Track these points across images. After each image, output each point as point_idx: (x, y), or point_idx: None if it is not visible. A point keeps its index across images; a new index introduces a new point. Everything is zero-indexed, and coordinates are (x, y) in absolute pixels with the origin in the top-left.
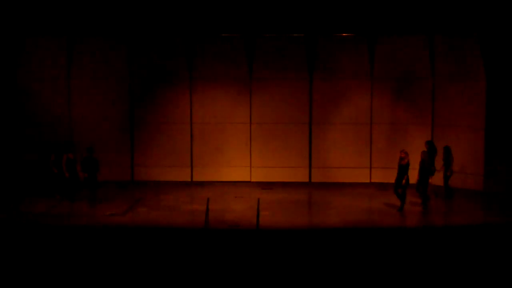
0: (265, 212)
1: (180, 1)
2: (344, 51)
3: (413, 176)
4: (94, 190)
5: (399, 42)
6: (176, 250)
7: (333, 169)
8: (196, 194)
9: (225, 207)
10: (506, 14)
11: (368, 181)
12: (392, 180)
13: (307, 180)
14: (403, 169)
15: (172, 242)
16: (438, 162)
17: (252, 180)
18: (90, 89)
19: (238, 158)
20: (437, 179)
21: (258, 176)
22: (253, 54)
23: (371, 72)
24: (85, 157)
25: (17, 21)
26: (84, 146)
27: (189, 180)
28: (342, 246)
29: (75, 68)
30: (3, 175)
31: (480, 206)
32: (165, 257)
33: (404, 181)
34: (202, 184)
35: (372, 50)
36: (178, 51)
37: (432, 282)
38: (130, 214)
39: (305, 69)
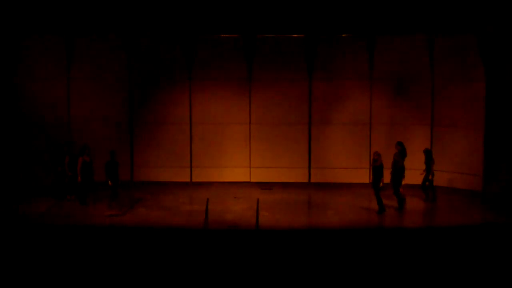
0: (265, 213)
1: (180, 1)
2: (343, 52)
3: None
4: (115, 193)
5: (399, 42)
6: (175, 250)
7: (333, 170)
8: (195, 194)
9: (225, 208)
10: (506, 15)
11: (367, 181)
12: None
13: (306, 180)
14: (376, 170)
15: (172, 242)
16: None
17: (251, 181)
18: (90, 89)
19: (237, 159)
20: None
21: (258, 176)
22: (253, 54)
23: (371, 72)
24: (108, 161)
25: (17, 21)
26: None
27: (189, 180)
28: (341, 246)
29: (74, 68)
30: (3, 175)
31: (479, 207)
32: (165, 257)
33: (381, 183)
34: (201, 184)
35: (372, 50)
36: (178, 51)
37: (431, 282)
38: (130, 214)
39: (305, 70)
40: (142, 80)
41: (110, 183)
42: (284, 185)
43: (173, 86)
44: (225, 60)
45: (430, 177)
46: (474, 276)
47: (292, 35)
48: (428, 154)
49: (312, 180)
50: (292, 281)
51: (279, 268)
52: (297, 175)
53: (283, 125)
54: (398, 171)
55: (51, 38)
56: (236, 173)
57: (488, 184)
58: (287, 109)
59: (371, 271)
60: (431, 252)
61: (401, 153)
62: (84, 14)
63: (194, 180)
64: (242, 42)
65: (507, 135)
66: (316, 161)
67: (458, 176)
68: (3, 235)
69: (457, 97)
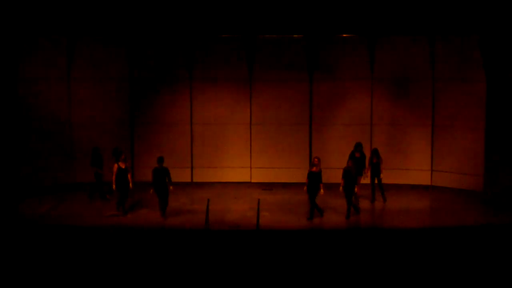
0: (265, 213)
1: (180, 2)
2: (344, 52)
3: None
4: (165, 200)
5: (399, 42)
6: (176, 250)
7: (334, 170)
8: (196, 194)
9: (226, 208)
10: (506, 15)
11: (368, 182)
12: (393, 181)
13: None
14: (314, 176)
15: (173, 242)
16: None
17: (252, 181)
18: (90, 90)
19: (238, 159)
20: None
21: (258, 177)
22: (253, 55)
23: (371, 72)
24: (155, 167)
25: (18, 22)
26: (84, 147)
27: (190, 180)
28: (342, 247)
29: (75, 69)
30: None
31: (480, 207)
32: (166, 257)
33: (322, 189)
34: (202, 184)
35: (372, 50)
36: (178, 52)
37: (431, 282)
38: (131, 214)
39: (305, 70)
40: (143, 81)
41: (151, 190)
42: (285, 186)
43: (174, 86)
44: (226, 61)
45: (371, 177)
46: (474, 277)
47: (293, 35)
48: (375, 154)
49: None
50: (292, 281)
51: (280, 268)
52: (298, 176)
53: (284, 125)
54: (350, 174)
55: (53, 38)
56: (237, 174)
57: (489, 185)
58: (288, 110)
59: (371, 271)
60: (431, 253)
61: (352, 156)
62: (86, 15)
63: (195, 180)
64: (243, 43)
65: (508, 135)
66: None
67: (458, 176)
68: (4, 234)
69: (457, 97)
